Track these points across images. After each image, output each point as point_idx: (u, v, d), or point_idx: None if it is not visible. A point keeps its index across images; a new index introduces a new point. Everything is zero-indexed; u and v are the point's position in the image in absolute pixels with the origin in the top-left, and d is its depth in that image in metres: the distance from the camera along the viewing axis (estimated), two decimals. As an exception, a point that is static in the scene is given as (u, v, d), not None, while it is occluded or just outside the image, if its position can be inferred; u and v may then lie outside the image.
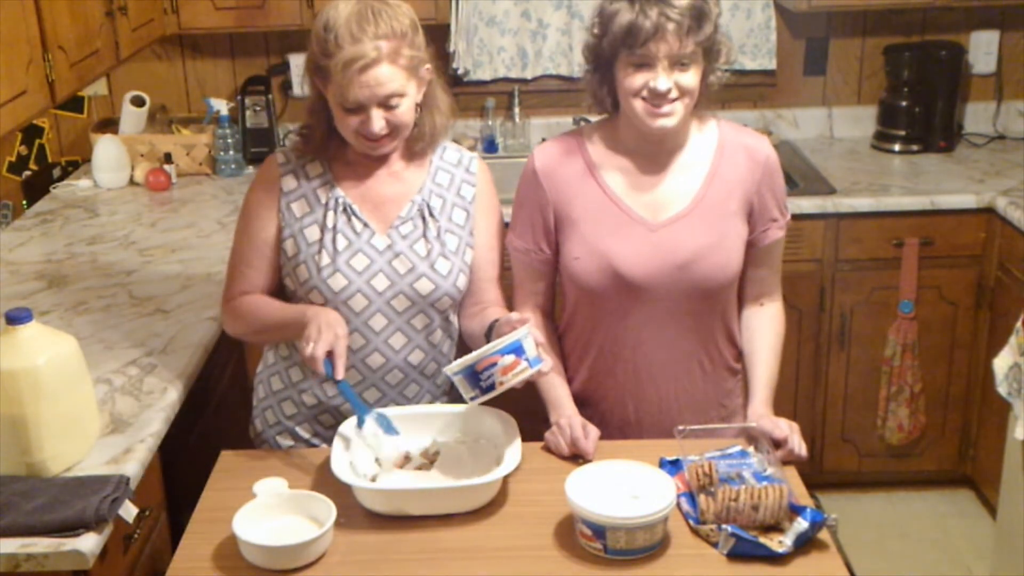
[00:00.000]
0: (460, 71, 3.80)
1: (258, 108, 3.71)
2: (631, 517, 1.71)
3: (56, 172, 3.65)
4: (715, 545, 1.77)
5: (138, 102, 3.67)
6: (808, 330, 3.45)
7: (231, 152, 3.69)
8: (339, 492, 1.83)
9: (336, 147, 2.08)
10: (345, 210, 2.06)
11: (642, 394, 2.15)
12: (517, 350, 1.83)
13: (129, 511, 1.83)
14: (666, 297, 2.06)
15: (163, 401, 2.16)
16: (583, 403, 2.15)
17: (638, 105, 1.96)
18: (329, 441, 2.06)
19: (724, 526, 1.76)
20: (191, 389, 2.30)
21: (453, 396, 2.12)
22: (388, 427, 1.96)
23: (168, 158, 3.62)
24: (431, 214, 2.09)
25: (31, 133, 3.53)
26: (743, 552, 1.74)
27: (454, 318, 2.18)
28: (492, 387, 1.84)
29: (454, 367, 1.86)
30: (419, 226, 2.08)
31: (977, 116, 3.90)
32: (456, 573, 1.75)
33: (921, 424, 3.53)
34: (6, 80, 2.27)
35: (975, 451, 3.54)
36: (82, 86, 2.80)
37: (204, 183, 3.64)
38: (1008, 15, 3.80)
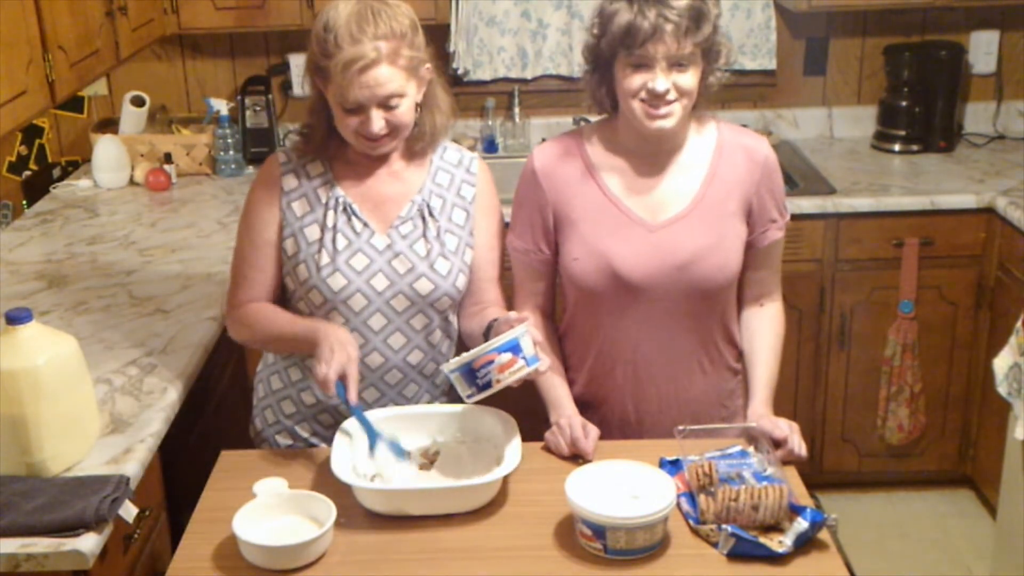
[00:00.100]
0: (460, 71, 3.80)
1: (258, 108, 3.71)
2: (631, 517, 1.71)
3: (56, 172, 3.65)
4: (715, 545, 1.77)
5: (138, 102, 3.67)
6: (808, 330, 3.45)
7: (231, 152, 3.69)
8: (339, 492, 1.83)
9: (336, 146, 2.08)
10: (345, 209, 2.06)
11: (642, 395, 2.15)
12: (514, 348, 1.83)
13: (129, 511, 1.83)
14: (665, 298, 2.06)
15: (163, 401, 2.16)
16: (584, 405, 2.15)
17: (636, 106, 1.96)
18: (328, 441, 2.06)
19: (724, 526, 1.76)
20: (191, 389, 2.30)
21: (453, 396, 2.11)
22: (399, 452, 1.96)
23: (168, 158, 3.62)
24: (431, 214, 2.09)
25: (31, 133, 3.53)
26: (743, 552, 1.74)
27: (453, 318, 2.18)
28: (489, 385, 1.84)
29: (451, 364, 1.86)
30: (419, 226, 2.08)
31: (977, 116, 3.90)
32: (456, 573, 1.75)
33: (921, 424, 3.53)
34: (6, 80, 2.27)
35: (975, 451, 3.54)
36: (82, 86, 2.80)
37: (204, 183, 3.64)
38: (1008, 15, 3.80)
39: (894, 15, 3.80)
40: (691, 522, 1.82)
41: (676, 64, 1.93)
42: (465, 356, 1.85)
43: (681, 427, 1.98)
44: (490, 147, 3.85)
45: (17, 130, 3.17)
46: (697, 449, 1.97)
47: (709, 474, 1.83)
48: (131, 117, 3.67)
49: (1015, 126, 3.88)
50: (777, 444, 1.99)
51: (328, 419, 2.16)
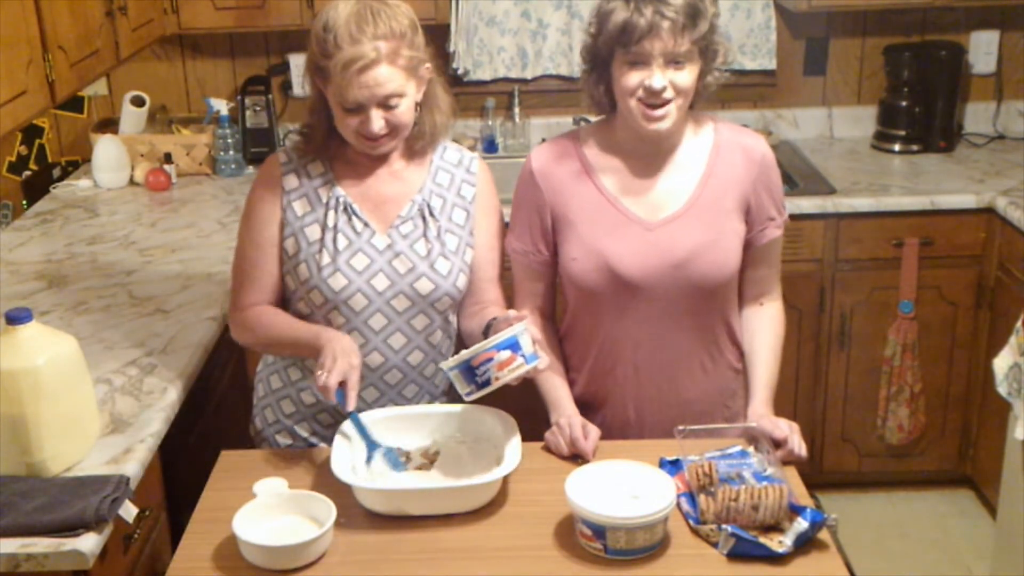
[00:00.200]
0: (460, 71, 3.81)
1: (258, 108, 3.71)
2: (631, 517, 1.71)
3: (56, 172, 3.65)
4: (715, 545, 1.77)
5: (138, 102, 3.67)
6: (808, 330, 3.45)
7: (231, 152, 3.69)
8: (339, 492, 1.83)
9: (337, 146, 2.08)
10: (346, 209, 2.06)
11: (643, 395, 2.15)
12: (513, 346, 1.83)
13: (129, 511, 1.83)
14: (664, 296, 2.06)
15: (163, 401, 2.16)
16: (585, 405, 2.15)
17: (634, 106, 1.97)
18: (328, 440, 2.06)
19: (724, 526, 1.76)
20: (191, 389, 2.30)
21: (452, 396, 2.11)
22: (395, 463, 1.96)
23: (168, 158, 3.62)
24: (431, 214, 2.09)
25: (31, 133, 3.53)
26: (743, 552, 1.74)
27: (453, 318, 2.18)
28: (488, 383, 1.84)
29: (450, 362, 1.86)
30: (419, 226, 2.08)
31: (977, 116, 3.90)
32: (456, 573, 1.75)
33: (921, 424, 3.53)
34: (6, 80, 2.27)
35: (975, 451, 3.54)
36: (82, 86, 2.80)
37: (204, 183, 3.64)
38: (1008, 15, 3.80)
39: (894, 15, 3.81)
40: (691, 522, 1.82)
41: (673, 62, 1.93)
42: (464, 354, 1.85)
43: (681, 427, 1.98)
44: (490, 147, 3.85)
45: (17, 130, 3.16)
46: (697, 449, 1.97)
47: (709, 474, 1.83)
48: (131, 117, 3.67)
49: (1015, 126, 3.88)
50: (777, 444, 1.99)
51: (328, 418, 2.16)
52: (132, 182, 3.63)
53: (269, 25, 3.51)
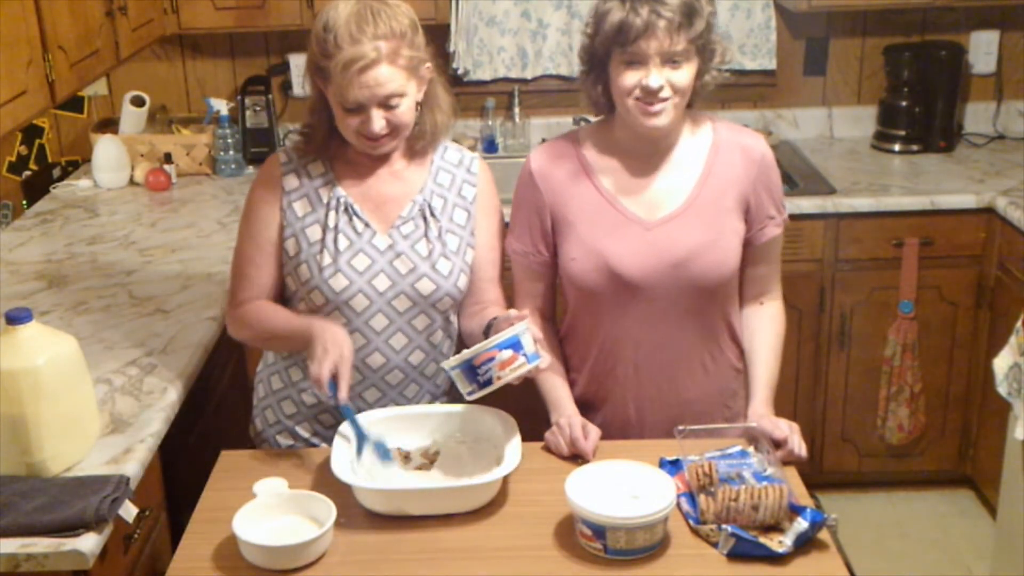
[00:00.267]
0: (460, 71, 3.80)
1: (258, 108, 3.71)
2: (631, 517, 1.71)
3: (56, 172, 3.65)
4: (715, 545, 1.77)
5: (138, 102, 3.67)
6: (808, 330, 3.45)
7: (231, 152, 3.69)
8: (339, 492, 1.83)
9: (337, 146, 2.08)
10: (347, 210, 2.06)
11: (644, 394, 2.15)
12: (515, 345, 1.83)
13: (129, 511, 1.83)
14: (664, 296, 2.06)
15: (163, 401, 2.16)
16: (585, 405, 2.15)
17: (631, 105, 1.97)
18: (329, 441, 2.06)
19: (724, 526, 1.76)
20: (191, 389, 2.30)
21: (453, 396, 2.11)
22: (384, 454, 1.96)
23: (168, 158, 3.62)
24: (432, 214, 2.09)
25: (31, 133, 3.53)
26: (743, 552, 1.74)
27: (454, 318, 2.18)
28: (490, 382, 1.84)
29: (452, 362, 1.86)
30: (420, 226, 2.08)
31: (977, 116, 3.90)
32: (456, 573, 1.75)
33: (921, 424, 3.53)
34: (6, 80, 2.27)
35: (975, 451, 3.54)
36: (82, 86, 2.80)
37: (204, 183, 3.64)
38: (1008, 15, 3.80)
39: (894, 15, 3.81)
40: (691, 522, 1.82)
41: (670, 61, 1.93)
42: (466, 353, 1.85)
43: (681, 427, 1.98)
44: (490, 147, 3.85)
45: (17, 130, 3.17)
46: (697, 449, 1.97)
47: (709, 474, 1.83)
48: (131, 117, 3.67)
49: (1015, 126, 3.88)
50: (777, 444, 1.99)
51: (329, 419, 2.16)
52: (132, 182, 3.63)
53: (269, 25, 3.51)
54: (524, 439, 1.95)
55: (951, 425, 3.56)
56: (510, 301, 2.20)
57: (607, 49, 1.96)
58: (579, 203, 2.08)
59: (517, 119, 3.87)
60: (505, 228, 2.20)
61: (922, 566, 3.32)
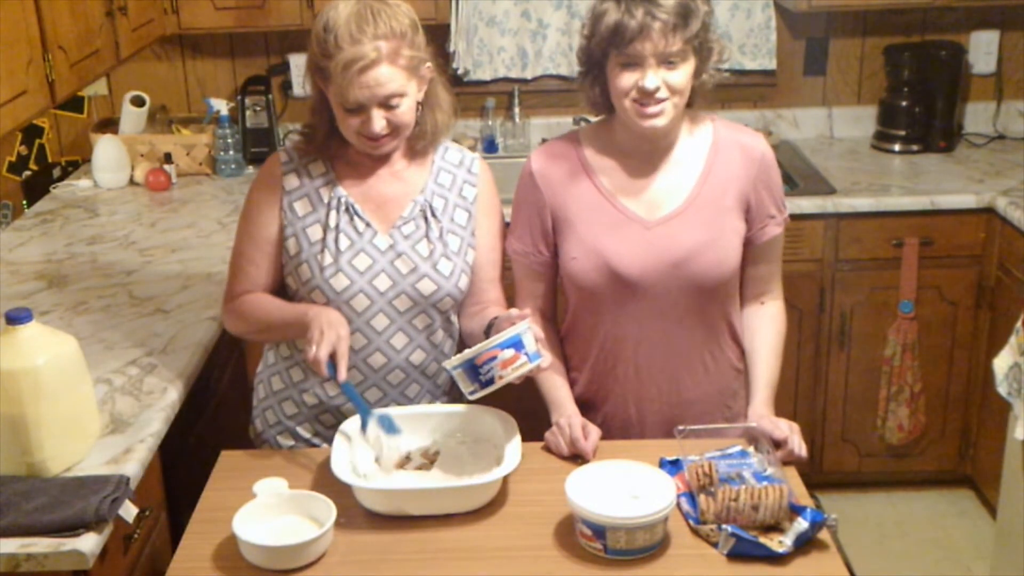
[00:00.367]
0: (460, 71, 3.80)
1: (258, 108, 3.71)
2: (631, 517, 1.71)
3: (56, 172, 3.65)
4: (715, 545, 1.77)
5: (138, 102, 3.67)
6: (808, 330, 3.45)
7: (231, 152, 3.69)
8: (339, 492, 1.83)
9: (338, 146, 2.08)
10: (347, 210, 2.06)
11: (644, 394, 2.15)
12: (516, 344, 1.83)
13: (129, 511, 1.83)
14: (664, 295, 2.06)
15: (163, 401, 2.16)
16: (586, 405, 2.15)
17: (629, 105, 1.97)
18: (330, 441, 2.06)
19: (724, 526, 1.76)
20: (191, 389, 2.30)
21: (454, 396, 2.12)
22: (390, 427, 1.96)
23: (168, 158, 3.62)
24: (433, 214, 2.09)
25: (31, 133, 3.53)
26: (743, 552, 1.74)
27: (455, 318, 2.18)
28: (491, 381, 1.84)
29: (454, 361, 1.87)
30: (421, 226, 2.08)
31: (977, 116, 3.90)
32: (456, 573, 1.75)
33: (921, 424, 3.53)
34: (6, 80, 2.27)
35: (975, 451, 3.54)
36: (82, 86, 2.80)
37: (204, 183, 3.64)
38: (1008, 15, 3.80)
39: (894, 15, 3.81)
40: (691, 522, 1.82)
41: (666, 62, 1.94)
42: (467, 352, 1.85)
43: (681, 427, 1.98)
44: (490, 147, 3.85)
45: (17, 130, 3.17)
46: (697, 449, 1.97)
47: (709, 474, 1.83)
48: (131, 117, 3.67)
49: (1015, 126, 3.88)
50: (777, 444, 1.99)
51: (330, 419, 2.16)
52: (132, 182, 3.63)
53: (269, 25, 3.51)
54: (524, 439, 1.95)
55: (951, 425, 3.56)
56: (511, 301, 2.20)
57: (603, 51, 1.97)
58: (579, 203, 2.08)
59: (517, 119, 3.87)
60: (506, 228, 2.20)
61: (922, 566, 3.32)
